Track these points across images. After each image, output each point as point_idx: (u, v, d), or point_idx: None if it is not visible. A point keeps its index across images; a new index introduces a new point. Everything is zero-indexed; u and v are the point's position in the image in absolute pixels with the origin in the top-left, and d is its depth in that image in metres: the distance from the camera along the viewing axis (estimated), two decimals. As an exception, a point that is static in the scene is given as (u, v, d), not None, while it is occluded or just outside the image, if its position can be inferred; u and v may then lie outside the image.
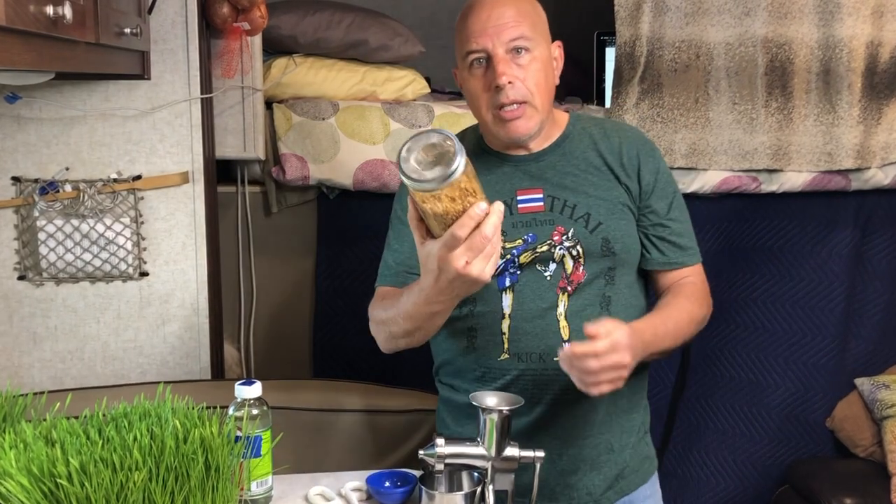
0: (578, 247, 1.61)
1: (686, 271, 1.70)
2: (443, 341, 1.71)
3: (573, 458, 1.65)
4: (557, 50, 1.69)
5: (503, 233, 1.58)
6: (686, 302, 1.65)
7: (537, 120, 1.62)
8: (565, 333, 1.61)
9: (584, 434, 1.65)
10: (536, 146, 1.67)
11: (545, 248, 1.62)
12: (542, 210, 1.63)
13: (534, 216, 1.63)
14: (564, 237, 1.61)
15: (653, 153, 1.70)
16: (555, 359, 1.59)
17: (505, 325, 1.62)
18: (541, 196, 1.64)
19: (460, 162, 1.22)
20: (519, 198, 1.65)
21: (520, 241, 1.62)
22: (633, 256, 1.67)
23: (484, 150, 1.71)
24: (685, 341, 1.64)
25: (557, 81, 1.67)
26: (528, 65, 1.59)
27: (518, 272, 1.62)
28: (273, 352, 2.72)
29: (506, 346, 1.62)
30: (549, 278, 1.61)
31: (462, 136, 1.77)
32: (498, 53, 1.57)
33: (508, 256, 1.62)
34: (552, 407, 1.63)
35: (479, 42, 1.58)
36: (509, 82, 1.56)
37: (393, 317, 1.57)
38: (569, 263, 1.61)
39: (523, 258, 1.62)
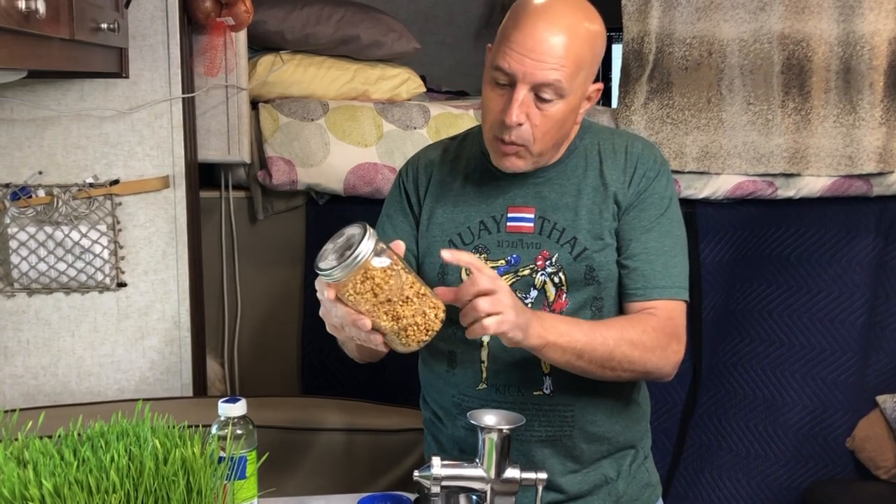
0: (561, 274, 1.58)
1: (650, 304, 1.57)
2: (427, 359, 1.71)
3: (563, 492, 1.64)
4: (596, 93, 1.62)
5: (487, 250, 1.60)
6: (629, 327, 1.53)
7: (531, 162, 1.58)
8: (545, 366, 1.59)
9: (574, 470, 1.63)
10: None
11: (527, 271, 1.60)
12: (532, 231, 1.61)
13: (521, 237, 1.61)
14: (548, 262, 1.59)
15: (651, 171, 1.61)
16: (535, 392, 1.59)
17: (484, 353, 1.61)
18: (532, 216, 1.62)
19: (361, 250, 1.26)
20: (510, 215, 1.63)
21: (503, 261, 1.61)
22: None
23: (485, 155, 1.70)
24: (608, 368, 1.50)
25: (580, 121, 1.62)
26: (548, 113, 1.52)
27: None
28: (259, 367, 2.72)
29: (484, 375, 1.61)
30: (529, 306, 1.57)
31: (465, 136, 1.77)
32: (520, 91, 1.50)
33: None
34: (536, 443, 1.61)
35: (511, 65, 1.50)
36: (519, 124, 1.51)
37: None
38: (551, 291, 1.59)
39: (504, 281, 1.58)
